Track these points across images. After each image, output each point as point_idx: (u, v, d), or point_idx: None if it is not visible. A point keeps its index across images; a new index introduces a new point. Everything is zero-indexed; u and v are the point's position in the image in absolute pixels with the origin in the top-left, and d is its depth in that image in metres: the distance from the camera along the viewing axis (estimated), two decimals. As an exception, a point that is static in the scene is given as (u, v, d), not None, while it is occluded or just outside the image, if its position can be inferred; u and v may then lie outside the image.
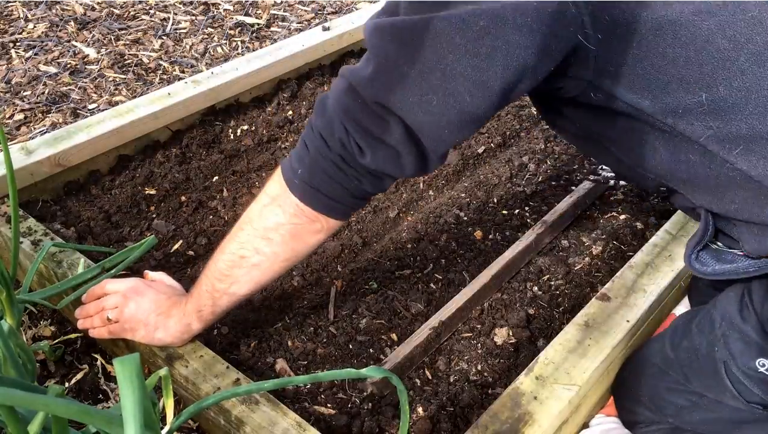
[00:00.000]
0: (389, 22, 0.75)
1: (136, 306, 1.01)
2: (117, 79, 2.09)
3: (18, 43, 2.24)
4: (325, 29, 1.93)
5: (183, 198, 1.46)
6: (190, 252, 1.33)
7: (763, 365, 0.88)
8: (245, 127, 1.69)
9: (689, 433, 1.04)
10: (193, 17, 2.48)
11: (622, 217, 1.44)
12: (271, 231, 0.88)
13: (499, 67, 0.72)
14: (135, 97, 2.00)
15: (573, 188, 1.55)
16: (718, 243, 0.94)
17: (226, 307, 0.98)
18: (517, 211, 1.46)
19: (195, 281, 1.00)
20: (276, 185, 0.88)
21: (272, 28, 2.47)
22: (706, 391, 0.97)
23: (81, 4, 2.46)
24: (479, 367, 1.12)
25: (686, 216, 1.30)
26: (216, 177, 1.53)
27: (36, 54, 2.19)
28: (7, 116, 1.90)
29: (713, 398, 0.96)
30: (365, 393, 1.04)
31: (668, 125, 0.80)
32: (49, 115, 1.91)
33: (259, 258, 0.91)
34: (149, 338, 1.01)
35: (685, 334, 1.01)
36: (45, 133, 1.69)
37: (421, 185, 1.53)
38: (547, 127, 1.73)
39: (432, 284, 1.27)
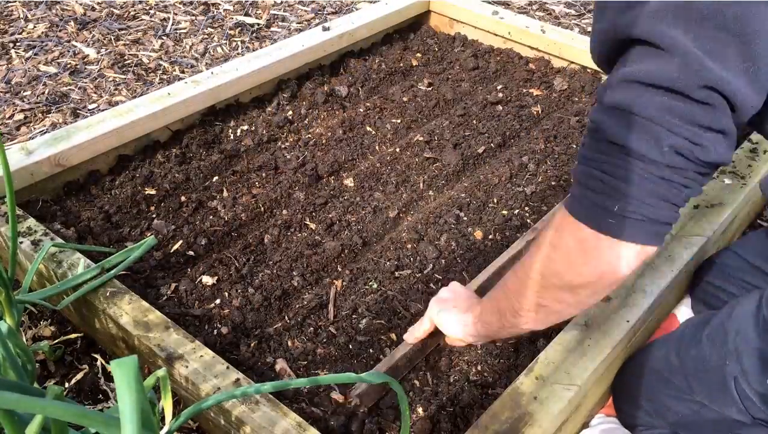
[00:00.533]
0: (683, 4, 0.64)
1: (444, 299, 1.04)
2: (117, 79, 2.09)
3: (18, 43, 2.24)
4: (325, 29, 1.93)
5: (183, 198, 1.46)
6: (190, 252, 1.33)
7: None
8: (245, 127, 1.69)
9: None
10: (193, 17, 2.48)
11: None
12: (588, 286, 0.77)
13: None
14: (135, 97, 2.00)
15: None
16: None
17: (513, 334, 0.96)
18: (517, 211, 1.46)
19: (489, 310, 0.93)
20: (578, 241, 0.73)
21: (272, 28, 2.47)
22: (711, 402, 0.96)
23: (81, 4, 2.46)
24: (479, 367, 1.11)
25: (686, 216, 1.30)
26: (216, 177, 1.53)
27: (36, 54, 2.19)
28: (7, 115, 1.90)
29: (716, 409, 0.96)
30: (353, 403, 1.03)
31: None
32: (49, 115, 1.91)
33: (569, 310, 0.83)
34: (452, 335, 1.02)
35: (694, 343, 0.99)
36: (45, 133, 1.69)
37: (421, 184, 1.53)
38: (547, 127, 1.72)
39: (432, 284, 1.27)
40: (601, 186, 0.70)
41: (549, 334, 1.16)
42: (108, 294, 1.12)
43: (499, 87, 1.90)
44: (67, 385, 1.13)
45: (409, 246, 1.34)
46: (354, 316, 1.20)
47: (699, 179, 0.71)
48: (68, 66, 2.14)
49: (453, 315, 1.00)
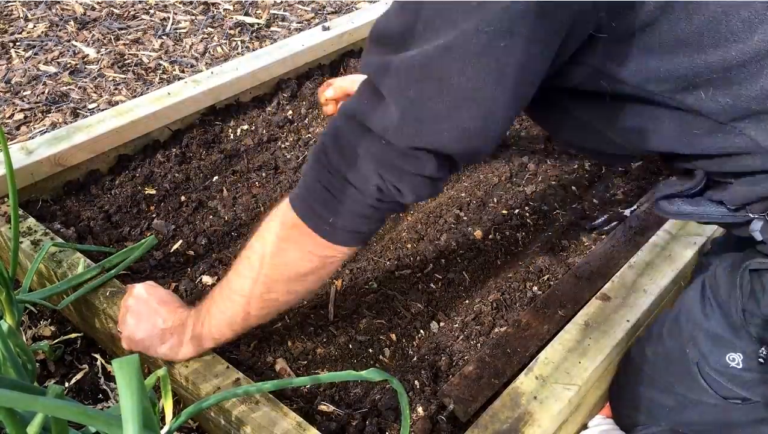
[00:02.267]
0: (402, 62, 0.72)
1: (135, 330, 1.00)
2: (117, 79, 2.09)
3: (18, 43, 2.24)
4: (325, 29, 1.93)
5: (183, 198, 1.46)
6: (190, 252, 1.33)
7: (734, 360, 0.90)
8: (245, 127, 1.69)
9: None
10: (193, 17, 2.48)
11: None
12: (308, 276, 0.90)
13: (526, 72, 0.71)
14: (135, 97, 2.00)
15: (573, 187, 1.55)
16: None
17: (231, 338, 1.00)
18: (517, 211, 1.46)
19: (205, 306, 0.98)
20: (300, 235, 0.86)
21: (272, 28, 2.47)
22: (685, 391, 0.97)
23: (81, 4, 2.46)
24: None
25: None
26: (216, 177, 1.53)
27: (36, 54, 2.19)
28: (7, 115, 1.90)
29: (693, 397, 0.97)
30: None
31: (677, 100, 0.78)
32: (49, 115, 1.91)
33: (290, 297, 0.94)
34: (157, 356, 1.01)
35: (659, 340, 1.01)
36: (45, 133, 1.69)
37: (421, 184, 1.53)
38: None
39: (432, 284, 1.27)
40: (322, 198, 0.82)
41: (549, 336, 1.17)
42: (108, 294, 1.12)
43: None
44: (67, 385, 1.13)
45: (409, 246, 1.34)
46: (354, 316, 1.20)
47: (404, 208, 0.86)
48: (68, 66, 2.13)
49: (166, 345, 1.00)
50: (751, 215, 0.86)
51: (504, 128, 0.76)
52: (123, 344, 1.02)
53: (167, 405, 0.84)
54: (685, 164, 0.90)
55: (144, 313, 1.01)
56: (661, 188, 0.91)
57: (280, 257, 0.88)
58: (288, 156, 1.59)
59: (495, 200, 1.49)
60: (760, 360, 0.87)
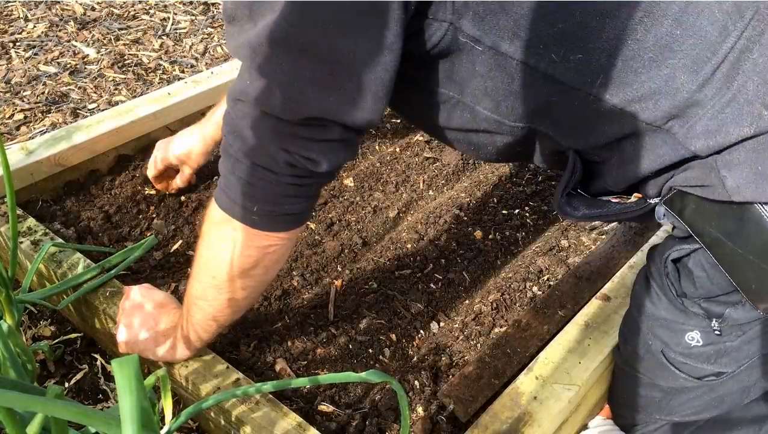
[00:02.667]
0: (266, 37, 0.71)
1: (133, 334, 1.01)
2: (117, 79, 2.09)
3: (18, 43, 2.24)
4: (325, 29, 1.93)
5: (183, 198, 1.46)
6: (190, 252, 1.33)
7: (693, 338, 0.90)
8: (245, 127, 1.69)
9: (688, 428, 1.04)
10: (193, 17, 2.48)
11: (623, 217, 1.44)
12: (251, 270, 0.87)
13: (386, 20, 0.71)
14: (135, 97, 2.00)
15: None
16: (583, 193, 0.94)
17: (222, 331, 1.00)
18: (517, 211, 1.46)
19: (183, 312, 0.98)
20: (229, 230, 0.83)
21: (272, 28, 2.46)
22: (665, 381, 0.98)
23: (81, 4, 2.46)
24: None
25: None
26: (216, 177, 1.53)
27: (36, 54, 2.19)
28: (7, 115, 1.90)
29: (675, 386, 0.97)
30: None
31: (530, 65, 0.78)
32: (49, 115, 1.91)
33: (247, 292, 0.91)
34: (156, 358, 1.01)
35: (626, 340, 1.02)
36: (45, 133, 1.69)
37: (421, 184, 1.53)
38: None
39: (432, 284, 1.27)
40: (239, 188, 0.79)
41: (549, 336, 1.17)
42: (108, 294, 1.12)
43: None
44: (67, 385, 1.13)
45: (409, 246, 1.34)
46: (354, 316, 1.20)
47: (328, 175, 0.81)
48: (68, 66, 2.14)
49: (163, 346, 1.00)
50: (651, 202, 0.87)
51: (381, 88, 0.75)
52: (120, 349, 1.02)
53: (167, 405, 0.84)
54: (550, 145, 0.90)
55: (139, 317, 1.01)
56: (555, 195, 0.91)
57: (221, 258, 0.86)
58: (288, 156, 1.59)
59: (495, 201, 1.48)
60: (716, 332, 0.88)
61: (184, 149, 1.37)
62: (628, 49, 0.76)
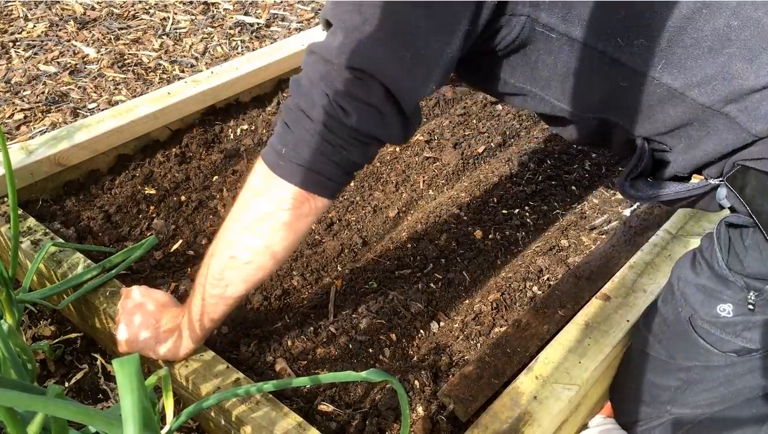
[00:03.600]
0: None
1: (133, 333, 1.01)
2: (117, 79, 2.09)
3: (18, 43, 2.24)
4: (325, 29, 1.93)
5: (183, 198, 1.46)
6: (190, 252, 1.33)
7: (724, 310, 0.92)
8: (245, 126, 1.69)
9: (689, 425, 1.04)
10: (193, 17, 2.48)
11: (623, 215, 1.43)
12: (259, 223, 0.86)
13: (459, 10, 0.78)
14: (135, 96, 2.00)
15: (573, 188, 1.55)
16: (650, 179, 0.98)
17: (222, 313, 0.96)
18: (517, 211, 1.46)
19: (190, 289, 0.98)
20: (258, 177, 0.86)
21: (272, 28, 2.47)
22: (687, 359, 0.99)
23: (81, 4, 2.46)
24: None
25: (686, 215, 1.30)
26: (216, 177, 1.53)
27: (36, 54, 2.19)
28: (6, 115, 1.90)
29: (696, 365, 0.98)
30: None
31: (599, 50, 0.85)
32: (49, 114, 1.91)
33: (250, 255, 0.88)
34: (158, 357, 1.01)
35: (654, 312, 1.04)
36: (45, 132, 1.69)
37: (421, 184, 1.53)
38: (547, 127, 1.73)
39: (432, 284, 1.27)
40: (281, 132, 0.84)
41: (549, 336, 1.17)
42: (108, 294, 1.12)
43: (498, 87, 1.90)
44: (67, 385, 1.13)
45: (409, 246, 1.34)
46: (354, 316, 1.20)
47: (357, 145, 0.83)
48: (68, 65, 2.13)
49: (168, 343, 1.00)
50: (713, 182, 0.90)
51: (434, 69, 0.81)
52: (120, 348, 1.02)
53: (168, 404, 0.84)
54: (622, 134, 0.95)
55: (140, 316, 1.01)
56: (619, 179, 0.96)
57: (240, 198, 0.88)
58: (288, 156, 1.59)
59: (495, 200, 1.49)
60: (750, 306, 0.90)
61: None
62: (687, 37, 0.82)
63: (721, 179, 0.90)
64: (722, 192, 0.90)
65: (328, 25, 0.84)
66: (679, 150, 0.91)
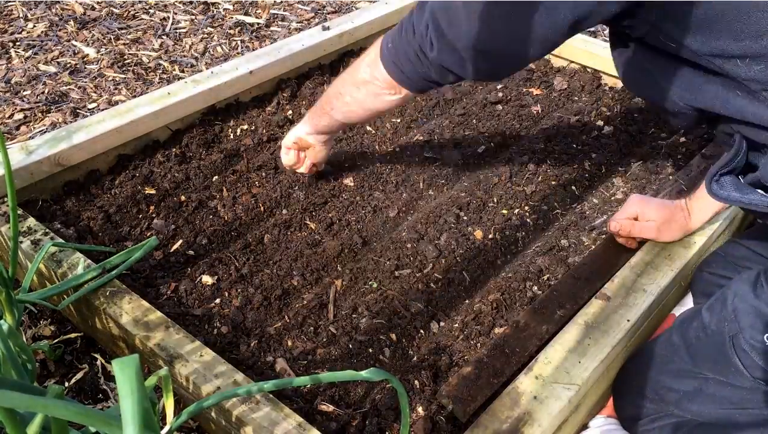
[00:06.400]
0: None
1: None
2: (117, 79, 2.09)
3: (17, 43, 2.24)
4: (325, 29, 1.93)
5: (183, 198, 1.46)
6: (190, 252, 1.33)
7: None
8: (245, 126, 1.69)
9: (691, 427, 1.04)
10: (193, 17, 2.48)
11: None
12: (360, 83, 1.16)
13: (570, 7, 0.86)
14: (135, 96, 2.00)
15: (573, 187, 1.55)
16: (740, 177, 0.97)
17: (329, 123, 1.31)
18: (517, 210, 1.46)
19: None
20: (373, 52, 1.12)
21: (272, 28, 2.47)
22: (711, 371, 0.98)
23: (81, 4, 2.46)
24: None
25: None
26: (216, 177, 1.53)
27: (35, 53, 2.19)
28: (6, 115, 1.90)
29: (717, 378, 0.97)
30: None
31: (716, 65, 0.88)
32: (49, 114, 1.91)
33: (350, 99, 1.20)
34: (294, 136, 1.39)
35: (695, 317, 1.03)
36: (45, 132, 1.69)
37: (421, 184, 1.53)
38: (547, 127, 1.73)
39: (432, 284, 1.27)
40: (396, 29, 1.07)
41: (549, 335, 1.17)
42: (108, 294, 1.12)
43: (498, 86, 1.90)
44: (67, 385, 1.13)
45: (409, 246, 1.34)
46: (354, 316, 1.20)
47: (435, 69, 1.02)
48: (68, 65, 2.13)
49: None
50: None
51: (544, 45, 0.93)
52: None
53: (168, 404, 0.84)
54: (725, 126, 0.97)
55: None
56: (711, 169, 0.97)
57: (356, 62, 1.17)
58: (288, 156, 1.59)
59: (495, 200, 1.49)
60: None
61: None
62: None
63: None
64: None
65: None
66: None
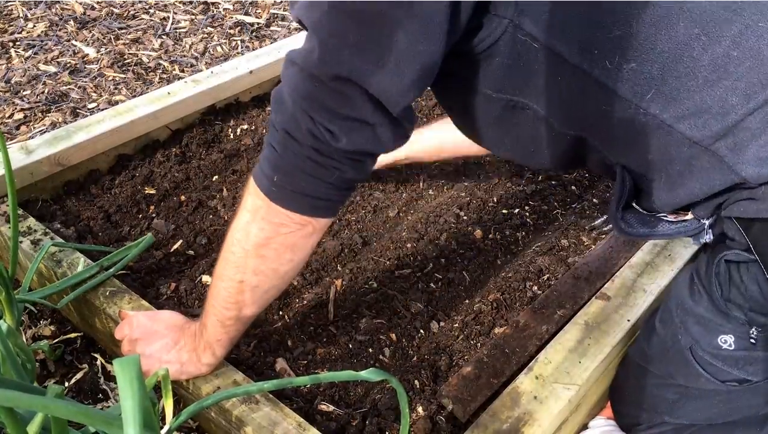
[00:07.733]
0: None
1: (157, 359, 0.97)
2: (117, 79, 2.09)
3: (18, 43, 2.24)
4: (325, 28, 1.93)
5: (183, 198, 1.46)
6: (190, 252, 1.33)
7: (725, 341, 0.90)
8: (245, 126, 1.69)
9: (690, 428, 1.04)
10: (193, 16, 2.48)
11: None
12: (262, 248, 0.84)
13: (440, 8, 0.71)
14: (135, 96, 2.00)
15: (573, 187, 1.55)
16: (637, 207, 0.94)
17: (241, 330, 0.96)
18: (517, 210, 1.46)
19: (203, 308, 0.96)
20: (254, 198, 0.83)
21: (272, 28, 2.47)
22: (686, 381, 0.97)
23: (81, 4, 2.46)
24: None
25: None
26: (216, 177, 1.53)
27: (36, 53, 2.19)
28: (6, 115, 1.89)
29: (694, 386, 0.97)
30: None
31: (583, 70, 0.79)
32: (49, 114, 1.91)
33: (258, 279, 0.87)
34: (185, 377, 0.98)
35: (652, 330, 1.02)
36: (45, 132, 1.69)
37: (421, 184, 1.53)
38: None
39: (432, 284, 1.27)
40: (270, 156, 0.80)
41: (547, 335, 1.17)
42: (108, 294, 1.12)
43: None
44: (66, 384, 1.13)
45: (409, 245, 1.34)
46: (354, 316, 1.20)
47: (350, 163, 0.78)
48: (68, 65, 2.13)
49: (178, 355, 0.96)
50: (704, 222, 0.87)
51: (420, 72, 0.74)
52: (148, 375, 0.97)
53: (168, 404, 0.84)
54: (602, 160, 0.90)
55: (157, 342, 0.98)
56: (611, 209, 0.92)
57: (239, 227, 0.85)
58: (288, 156, 1.59)
59: (495, 200, 1.49)
60: (752, 340, 0.87)
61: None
62: (682, 66, 0.76)
63: (712, 220, 0.87)
64: (708, 235, 0.88)
65: (301, 24, 0.77)
66: (661, 186, 0.86)
